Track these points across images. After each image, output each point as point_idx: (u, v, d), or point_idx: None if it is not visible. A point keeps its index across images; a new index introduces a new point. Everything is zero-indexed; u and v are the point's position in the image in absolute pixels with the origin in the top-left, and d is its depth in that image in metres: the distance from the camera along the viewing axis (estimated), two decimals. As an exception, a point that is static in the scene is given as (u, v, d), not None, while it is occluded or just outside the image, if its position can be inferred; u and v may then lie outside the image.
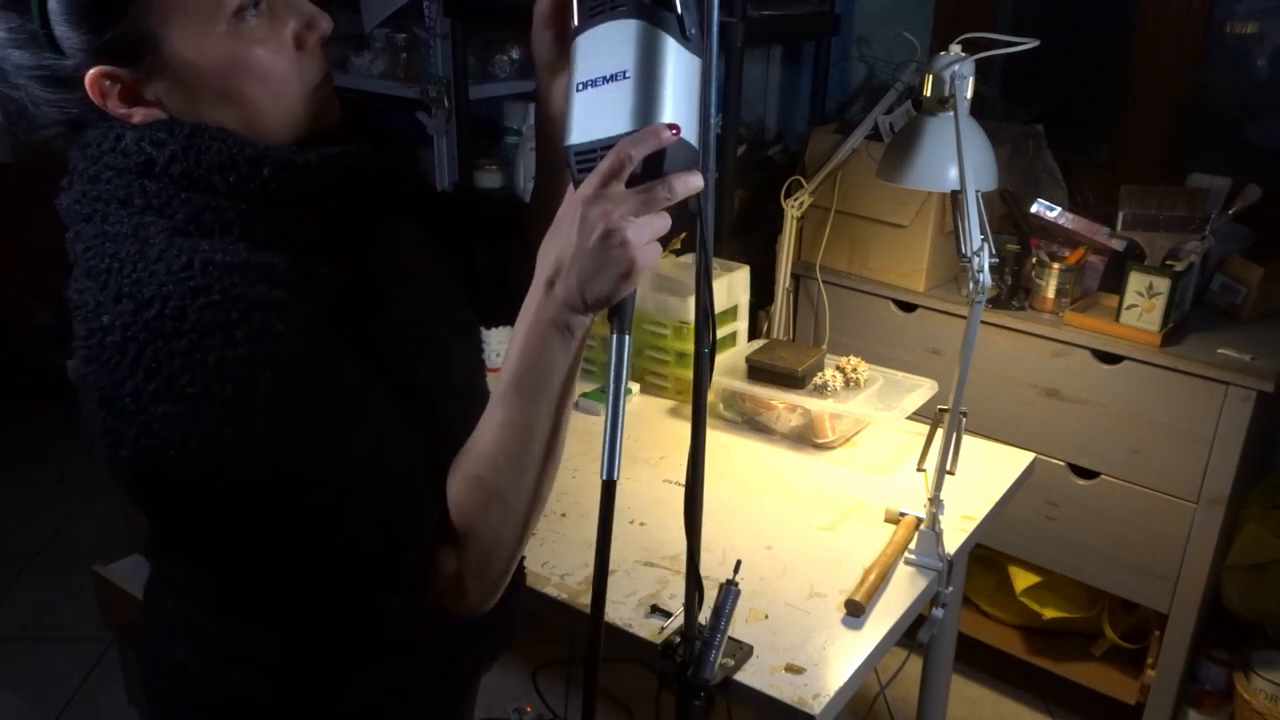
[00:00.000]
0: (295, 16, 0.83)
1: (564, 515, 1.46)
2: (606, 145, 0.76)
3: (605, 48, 0.79)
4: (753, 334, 2.03)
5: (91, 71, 0.80)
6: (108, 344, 0.77)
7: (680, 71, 0.79)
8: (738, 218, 2.31)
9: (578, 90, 0.79)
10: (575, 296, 0.80)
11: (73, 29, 0.79)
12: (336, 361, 0.83)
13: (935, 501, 1.33)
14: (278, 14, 0.83)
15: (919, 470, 1.36)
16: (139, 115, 0.82)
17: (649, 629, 1.22)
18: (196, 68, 0.81)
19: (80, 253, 0.83)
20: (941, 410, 1.31)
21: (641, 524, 1.44)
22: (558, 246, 0.78)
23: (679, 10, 0.78)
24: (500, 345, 1.91)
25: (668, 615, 1.24)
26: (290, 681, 0.94)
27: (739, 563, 1.14)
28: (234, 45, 0.80)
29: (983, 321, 1.75)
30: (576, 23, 0.81)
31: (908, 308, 2.17)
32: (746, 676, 1.14)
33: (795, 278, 2.28)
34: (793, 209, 2.19)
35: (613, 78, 0.78)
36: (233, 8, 0.79)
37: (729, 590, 1.10)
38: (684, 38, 0.79)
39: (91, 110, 0.83)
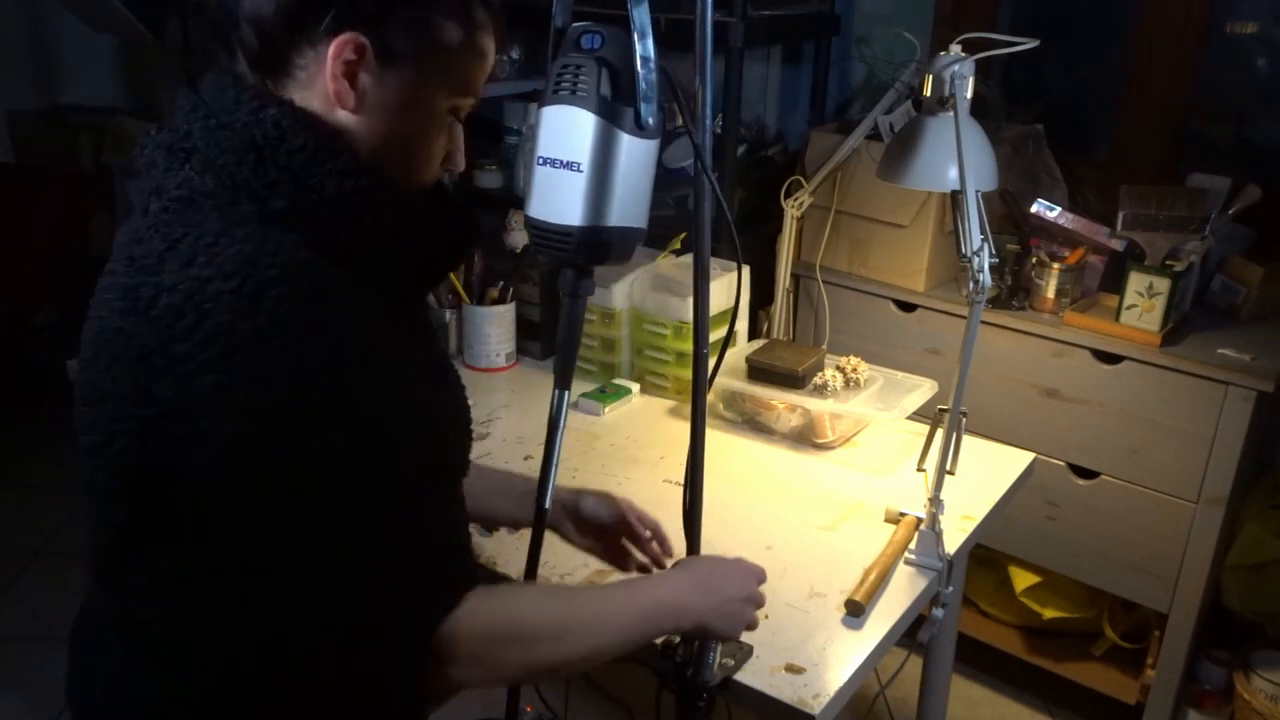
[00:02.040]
0: (455, 145, 0.94)
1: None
2: (556, 230, 0.88)
3: (564, 130, 0.88)
4: (753, 334, 2.03)
5: (351, 34, 0.82)
6: (162, 303, 0.76)
7: (633, 162, 0.88)
8: (738, 218, 2.31)
9: (538, 163, 0.89)
10: (698, 625, 1.01)
11: None
12: (389, 397, 0.85)
13: (935, 501, 1.33)
14: (454, 132, 0.93)
15: (919, 470, 1.36)
16: (338, 91, 0.83)
17: (649, 629, 1.22)
18: (410, 102, 0.87)
19: (153, 204, 0.82)
20: (941, 410, 1.31)
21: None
22: (716, 600, 1.01)
23: (637, 104, 0.86)
24: (500, 345, 1.91)
25: (668, 615, 1.23)
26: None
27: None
28: (431, 118, 0.89)
29: (983, 321, 1.75)
30: (545, 89, 0.89)
31: (908, 308, 2.17)
32: (746, 676, 1.14)
33: (795, 278, 2.28)
34: (793, 209, 2.19)
35: (568, 165, 0.87)
36: (456, 105, 0.90)
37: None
38: (638, 129, 0.87)
39: (280, 62, 0.83)
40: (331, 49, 0.82)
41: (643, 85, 0.86)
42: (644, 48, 0.86)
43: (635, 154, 0.88)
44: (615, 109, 0.86)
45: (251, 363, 0.75)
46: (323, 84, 0.83)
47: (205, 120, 0.83)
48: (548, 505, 0.99)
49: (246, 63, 0.85)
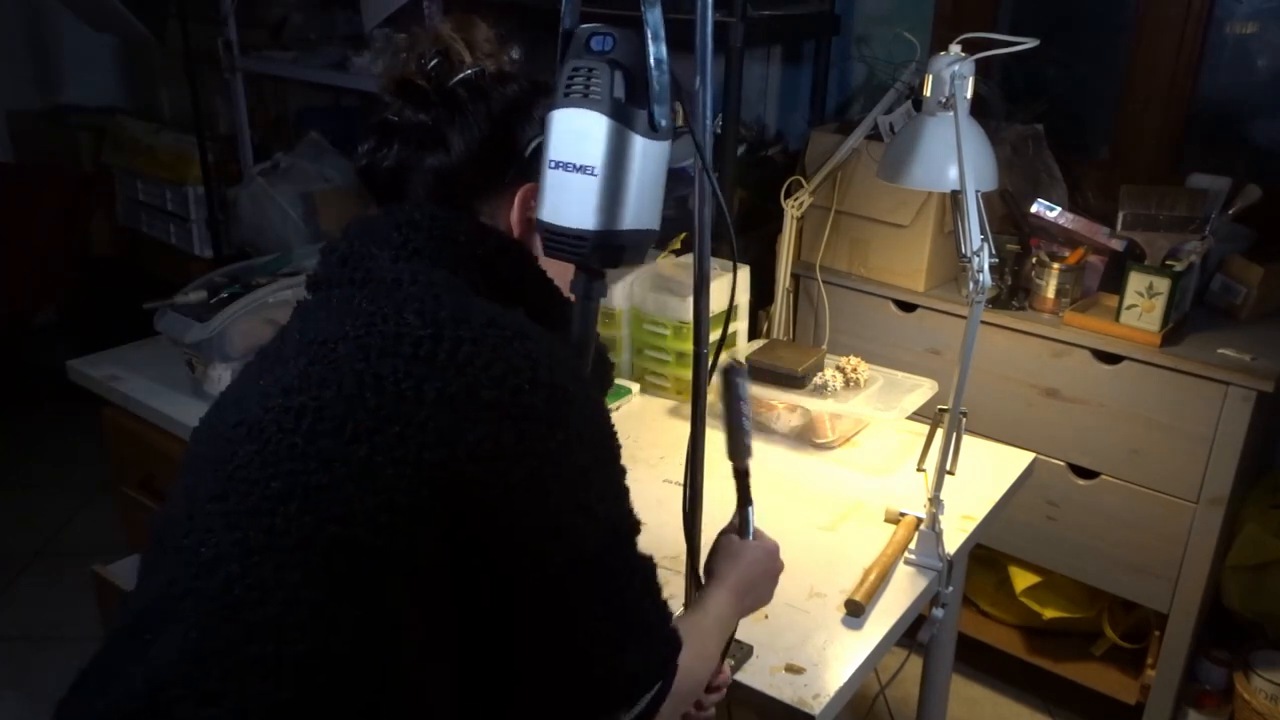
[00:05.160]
0: None
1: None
2: (570, 234, 0.90)
3: (576, 133, 0.88)
4: (753, 334, 2.03)
5: (530, 184, 0.95)
6: (533, 407, 0.82)
7: (647, 165, 0.88)
8: (738, 218, 2.31)
9: (550, 166, 0.90)
10: (749, 609, 1.12)
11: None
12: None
13: (935, 501, 1.33)
14: None
15: (919, 470, 1.36)
16: (522, 230, 0.97)
17: (649, 629, 1.22)
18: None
19: (387, 277, 0.88)
20: (941, 410, 1.31)
21: (642, 524, 1.44)
22: (757, 593, 1.12)
23: (651, 106, 0.87)
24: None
25: (668, 615, 1.23)
26: None
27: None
28: None
29: (983, 321, 1.75)
30: (555, 91, 0.91)
31: (908, 308, 2.17)
32: (746, 676, 1.14)
33: (795, 278, 2.28)
34: (793, 209, 2.19)
35: (582, 169, 0.87)
36: None
37: (734, 373, 1.11)
38: (652, 130, 0.87)
39: (458, 201, 0.95)
40: (519, 196, 0.96)
41: (656, 87, 0.86)
42: (658, 50, 0.86)
43: (649, 156, 0.88)
44: (628, 112, 0.86)
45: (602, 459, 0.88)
46: (503, 220, 0.97)
47: (431, 232, 0.92)
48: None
49: (424, 200, 0.96)
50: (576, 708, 0.89)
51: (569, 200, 0.89)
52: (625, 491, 0.91)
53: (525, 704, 0.88)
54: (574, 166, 0.87)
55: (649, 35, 0.85)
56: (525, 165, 0.96)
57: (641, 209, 0.89)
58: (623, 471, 0.91)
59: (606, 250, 0.90)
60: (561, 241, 0.90)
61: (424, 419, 0.78)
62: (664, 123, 0.88)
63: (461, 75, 0.96)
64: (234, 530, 0.77)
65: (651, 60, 0.86)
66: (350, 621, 0.76)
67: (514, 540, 0.81)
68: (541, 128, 0.92)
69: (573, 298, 0.95)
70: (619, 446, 0.91)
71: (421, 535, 0.78)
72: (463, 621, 0.82)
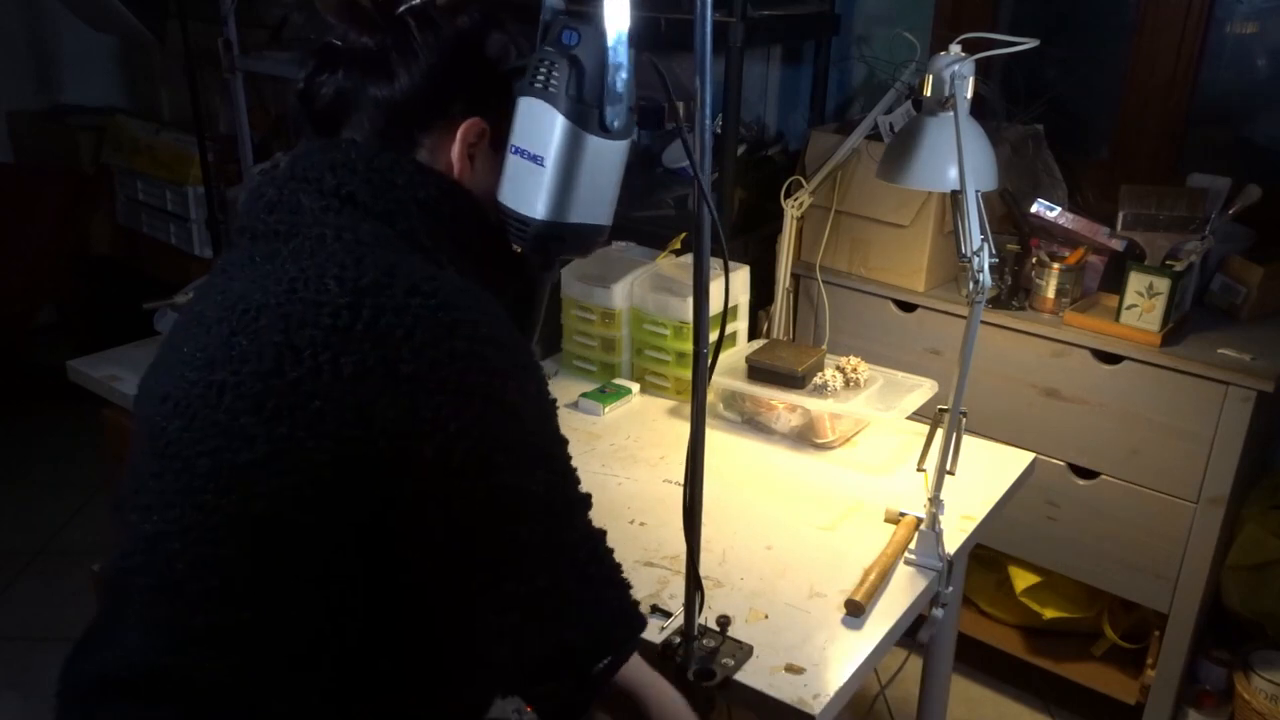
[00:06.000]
0: None
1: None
2: (517, 217, 0.92)
3: (534, 123, 0.90)
4: (753, 334, 2.03)
5: (477, 118, 0.93)
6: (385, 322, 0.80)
7: (598, 163, 0.90)
8: (738, 218, 2.31)
9: (510, 150, 0.92)
10: None
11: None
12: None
13: (935, 501, 1.33)
14: None
15: (919, 470, 1.36)
16: (461, 166, 0.94)
17: (649, 629, 1.22)
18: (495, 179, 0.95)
19: (310, 234, 0.86)
20: (941, 410, 1.31)
21: (641, 524, 1.44)
22: None
23: (604, 106, 0.88)
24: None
25: (668, 615, 1.23)
26: None
27: None
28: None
29: (983, 321, 1.75)
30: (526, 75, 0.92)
31: (908, 308, 2.17)
32: (746, 676, 1.14)
33: (795, 278, 2.28)
34: (793, 209, 2.18)
35: (534, 158, 0.90)
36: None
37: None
38: (602, 130, 0.89)
39: (404, 137, 0.92)
40: (461, 131, 0.93)
41: (612, 89, 0.88)
42: (614, 53, 0.87)
43: (600, 154, 0.90)
44: (582, 110, 0.88)
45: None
46: (444, 156, 0.93)
47: (368, 175, 0.89)
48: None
49: (366, 133, 0.92)
50: (515, 676, 0.90)
51: (521, 186, 0.91)
52: (562, 463, 0.89)
53: (465, 665, 0.88)
54: (529, 154, 0.90)
55: (606, 37, 0.87)
56: (471, 100, 0.93)
57: (590, 204, 0.92)
58: (562, 443, 0.90)
59: (547, 240, 0.92)
60: (511, 224, 0.93)
61: (341, 394, 0.77)
62: (617, 124, 0.89)
63: (411, 3, 0.93)
64: (170, 508, 0.80)
65: (610, 63, 0.87)
66: (287, 593, 0.79)
67: (444, 514, 0.80)
68: (495, 62, 0.93)
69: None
70: (554, 416, 0.89)
71: (350, 509, 0.78)
72: (403, 590, 0.82)
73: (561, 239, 0.93)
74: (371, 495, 0.78)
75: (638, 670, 1.01)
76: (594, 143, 0.89)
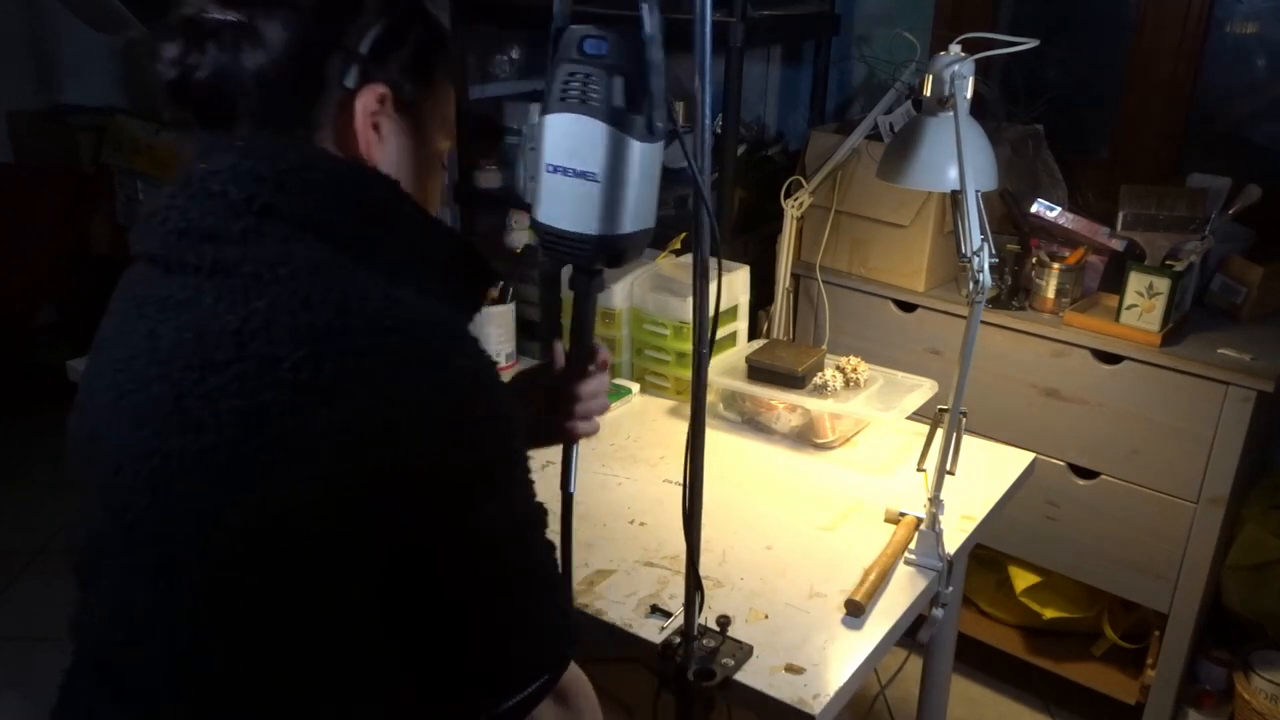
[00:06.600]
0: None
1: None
2: (571, 237, 0.90)
3: (575, 139, 0.88)
4: (753, 334, 2.03)
5: (375, 85, 0.84)
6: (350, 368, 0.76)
7: (645, 169, 0.89)
8: (738, 218, 2.31)
9: (547, 170, 0.89)
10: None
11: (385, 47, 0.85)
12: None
13: (935, 501, 1.33)
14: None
15: (919, 470, 1.36)
16: (368, 140, 0.85)
17: (649, 629, 1.22)
18: (419, 145, 0.90)
19: (245, 270, 0.78)
20: (941, 410, 1.31)
21: (641, 524, 1.44)
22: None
23: (648, 111, 0.87)
24: (500, 345, 1.91)
25: (668, 615, 1.23)
26: None
27: None
28: (434, 159, 0.94)
29: (983, 321, 1.75)
30: (546, 98, 0.90)
31: (908, 308, 2.17)
32: (746, 676, 1.14)
33: (795, 278, 2.28)
34: (793, 209, 2.18)
35: (582, 174, 0.88)
36: (448, 147, 0.95)
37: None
38: (649, 134, 0.88)
39: (294, 119, 0.83)
40: (360, 101, 0.84)
41: (654, 92, 0.86)
42: (656, 55, 0.86)
43: (647, 160, 0.89)
44: (627, 118, 0.86)
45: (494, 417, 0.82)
46: (349, 137, 0.84)
47: (278, 180, 0.79)
48: (573, 489, 1.06)
49: (254, 124, 0.82)
50: (459, 690, 0.90)
51: (569, 204, 0.89)
52: (523, 484, 0.87)
53: (417, 675, 0.87)
54: (574, 172, 0.88)
55: (647, 41, 0.85)
56: (366, 65, 0.83)
57: (640, 210, 0.90)
58: (524, 455, 0.87)
59: (610, 253, 0.91)
60: (562, 244, 0.91)
61: (312, 451, 0.74)
62: (660, 125, 0.88)
63: None
64: (150, 588, 0.80)
65: (651, 66, 0.86)
66: (275, 655, 0.81)
67: (427, 556, 0.80)
68: (376, 18, 0.83)
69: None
70: (522, 429, 0.86)
71: (333, 566, 0.78)
72: (389, 622, 0.83)
73: (623, 250, 0.91)
74: (356, 546, 0.78)
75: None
76: (641, 150, 0.87)
